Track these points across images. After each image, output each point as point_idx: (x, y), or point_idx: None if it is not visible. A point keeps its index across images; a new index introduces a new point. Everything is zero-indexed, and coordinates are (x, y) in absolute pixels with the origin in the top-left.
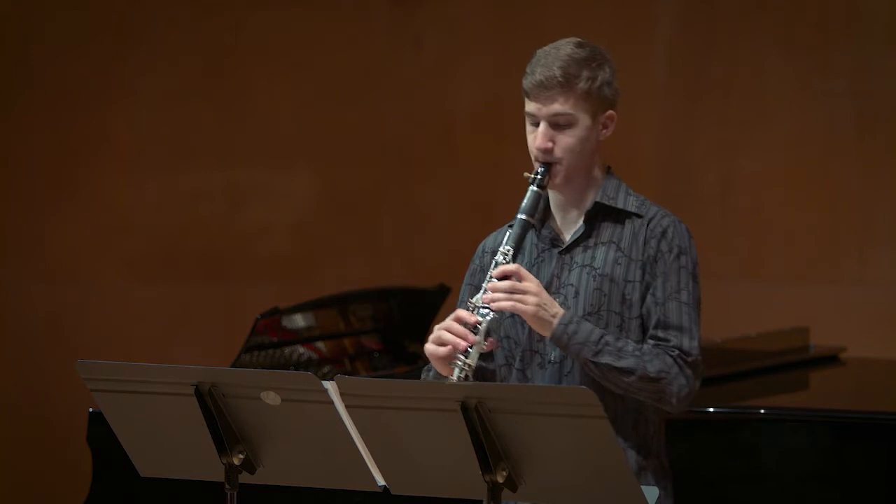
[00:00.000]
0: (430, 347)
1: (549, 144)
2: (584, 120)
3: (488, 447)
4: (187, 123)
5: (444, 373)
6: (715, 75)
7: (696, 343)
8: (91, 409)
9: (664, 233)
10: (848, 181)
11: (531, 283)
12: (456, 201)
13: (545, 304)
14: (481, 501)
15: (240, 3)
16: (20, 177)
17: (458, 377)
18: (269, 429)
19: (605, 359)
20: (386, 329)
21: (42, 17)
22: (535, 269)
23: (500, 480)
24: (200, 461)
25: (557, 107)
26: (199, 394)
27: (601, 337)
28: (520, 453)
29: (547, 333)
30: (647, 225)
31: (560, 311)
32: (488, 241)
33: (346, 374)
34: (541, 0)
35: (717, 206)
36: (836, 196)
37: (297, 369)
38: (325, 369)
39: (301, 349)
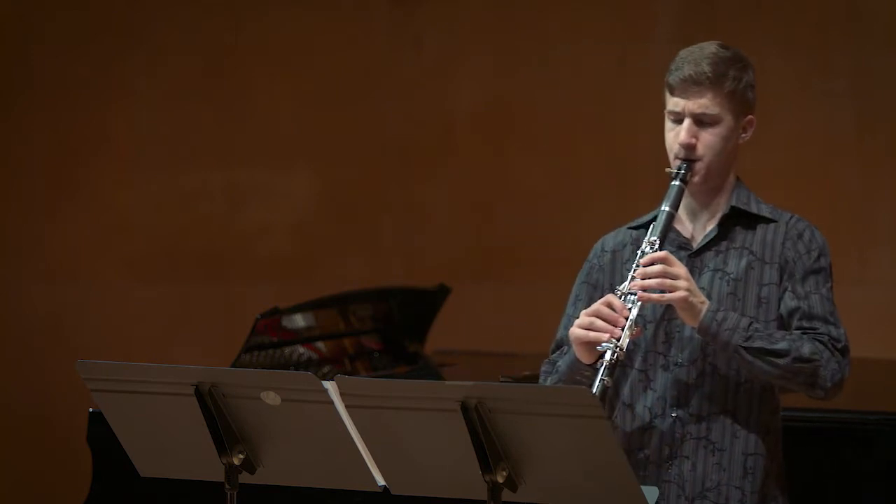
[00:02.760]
0: (577, 332)
1: (693, 140)
2: (727, 120)
3: (488, 447)
4: (187, 123)
5: (586, 359)
6: None
7: (843, 332)
8: (91, 409)
9: (801, 235)
10: (848, 181)
11: (681, 269)
12: (456, 201)
13: (695, 290)
14: (482, 501)
15: (240, 3)
16: (20, 177)
17: (610, 359)
18: (269, 429)
19: (758, 343)
20: (386, 329)
21: (42, 17)
22: None
23: (500, 480)
24: (200, 461)
25: (705, 102)
26: (199, 394)
27: (750, 323)
28: (520, 453)
29: (694, 322)
30: (783, 228)
31: (706, 300)
32: (607, 241)
33: (346, 374)
34: (541, 0)
35: None
36: (836, 196)
37: (297, 369)
38: (325, 369)
39: (301, 349)
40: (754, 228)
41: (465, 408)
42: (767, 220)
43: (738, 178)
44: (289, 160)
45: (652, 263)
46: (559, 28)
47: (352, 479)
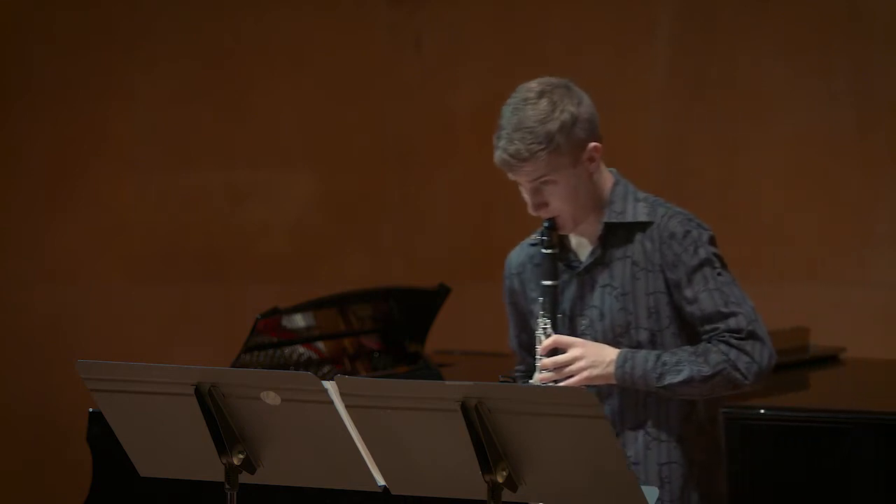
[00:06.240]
0: None
1: (542, 206)
2: (564, 172)
3: (488, 447)
4: (187, 123)
5: None
6: (714, 75)
7: (742, 317)
8: (91, 409)
9: (673, 235)
10: (848, 181)
11: (574, 349)
12: (456, 201)
13: (594, 362)
14: (482, 501)
15: (240, 3)
16: (20, 177)
17: None
18: (269, 429)
19: (668, 379)
20: (386, 329)
21: (42, 18)
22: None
23: (500, 480)
24: (200, 461)
25: (532, 175)
26: (199, 394)
27: (657, 359)
28: (520, 453)
29: (612, 381)
30: (657, 230)
31: (611, 356)
32: (512, 262)
33: (346, 374)
34: (541, 0)
35: (717, 207)
36: (836, 196)
37: (297, 369)
38: (325, 369)
39: (301, 349)
40: (634, 234)
41: (465, 408)
42: (644, 226)
43: (614, 183)
44: (289, 160)
45: (547, 351)
46: (559, 28)
47: (352, 479)
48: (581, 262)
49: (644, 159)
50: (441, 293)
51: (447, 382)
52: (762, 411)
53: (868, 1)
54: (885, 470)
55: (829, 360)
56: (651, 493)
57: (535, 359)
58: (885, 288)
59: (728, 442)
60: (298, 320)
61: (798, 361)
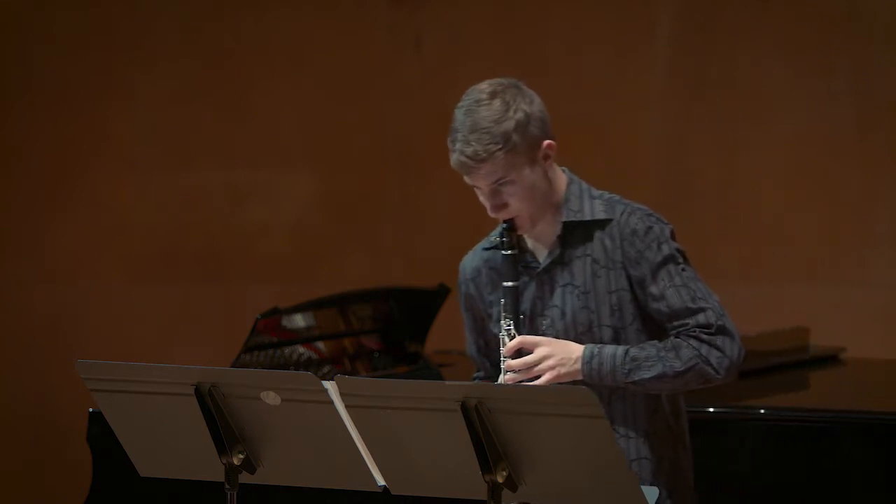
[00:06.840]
0: None
1: (501, 208)
2: (521, 172)
3: (488, 447)
4: (187, 123)
5: None
6: (714, 75)
7: (710, 312)
8: (91, 409)
9: (635, 232)
10: (848, 181)
11: (541, 348)
12: (456, 201)
13: (561, 360)
14: (482, 501)
15: (240, 3)
16: (20, 177)
17: None
18: (269, 429)
19: (639, 374)
20: (386, 329)
21: (42, 18)
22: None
23: (500, 480)
24: (200, 461)
25: (490, 176)
26: (199, 394)
27: (625, 354)
28: (520, 453)
29: (579, 377)
30: (617, 227)
31: (578, 352)
32: (466, 267)
33: (346, 374)
34: (541, 0)
35: (717, 207)
36: (836, 196)
37: (297, 369)
38: (325, 369)
39: (301, 349)
40: (593, 231)
41: (465, 408)
42: (603, 223)
43: (568, 182)
44: (289, 160)
45: (512, 353)
46: (559, 28)
47: (352, 479)
48: (539, 263)
49: (644, 159)
50: (441, 293)
51: (447, 382)
52: (762, 411)
53: (868, 1)
54: (885, 470)
55: (829, 360)
56: (651, 493)
57: (499, 361)
58: (885, 288)
59: (728, 442)
60: (298, 320)
61: (798, 361)
